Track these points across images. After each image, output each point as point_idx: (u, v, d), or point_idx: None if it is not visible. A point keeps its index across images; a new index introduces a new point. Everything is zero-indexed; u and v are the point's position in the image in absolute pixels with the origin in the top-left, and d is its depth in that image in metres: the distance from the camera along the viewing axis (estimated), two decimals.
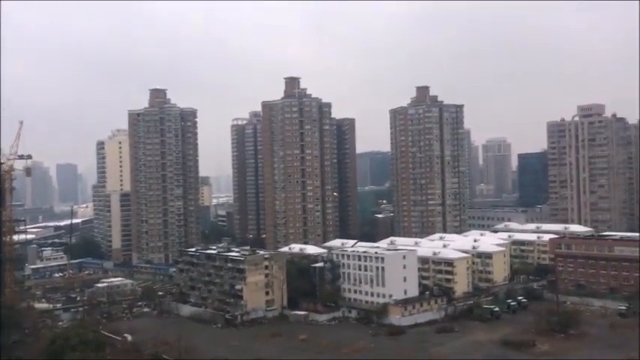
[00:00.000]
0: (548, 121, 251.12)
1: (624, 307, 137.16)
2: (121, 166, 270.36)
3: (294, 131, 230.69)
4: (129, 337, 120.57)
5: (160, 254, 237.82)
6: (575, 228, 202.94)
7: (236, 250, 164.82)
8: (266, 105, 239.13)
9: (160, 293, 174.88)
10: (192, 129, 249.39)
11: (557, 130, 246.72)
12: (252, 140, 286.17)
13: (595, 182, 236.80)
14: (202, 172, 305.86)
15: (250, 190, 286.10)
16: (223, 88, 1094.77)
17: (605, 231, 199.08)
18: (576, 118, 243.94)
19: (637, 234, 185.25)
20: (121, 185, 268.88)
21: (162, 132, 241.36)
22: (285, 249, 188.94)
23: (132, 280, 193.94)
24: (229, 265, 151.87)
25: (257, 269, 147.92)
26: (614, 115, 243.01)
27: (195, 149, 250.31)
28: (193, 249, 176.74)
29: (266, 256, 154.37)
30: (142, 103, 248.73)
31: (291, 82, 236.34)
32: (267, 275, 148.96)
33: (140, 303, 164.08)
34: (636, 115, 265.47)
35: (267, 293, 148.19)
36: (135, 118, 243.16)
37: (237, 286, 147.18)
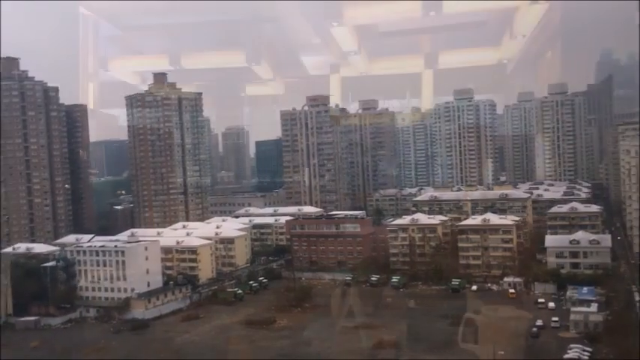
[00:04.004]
0: (281, 110, 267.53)
1: (349, 278, 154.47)
2: None
3: (15, 118, 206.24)
4: None
5: None
6: (308, 209, 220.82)
7: None
8: None
9: None
10: None
11: (289, 119, 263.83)
12: None
13: (323, 167, 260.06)
14: None
15: None
16: None
17: (333, 211, 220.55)
18: (306, 108, 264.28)
19: (358, 212, 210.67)
20: None
21: None
22: (9, 249, 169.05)
23: None
24: None
25: None
26: (336, 105, 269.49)
27: None
28: None
29: None
30: None
31: (9, 63, 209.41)
32: None
33: None
34: (355, 106, 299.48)
35: None
36: None
37: None
